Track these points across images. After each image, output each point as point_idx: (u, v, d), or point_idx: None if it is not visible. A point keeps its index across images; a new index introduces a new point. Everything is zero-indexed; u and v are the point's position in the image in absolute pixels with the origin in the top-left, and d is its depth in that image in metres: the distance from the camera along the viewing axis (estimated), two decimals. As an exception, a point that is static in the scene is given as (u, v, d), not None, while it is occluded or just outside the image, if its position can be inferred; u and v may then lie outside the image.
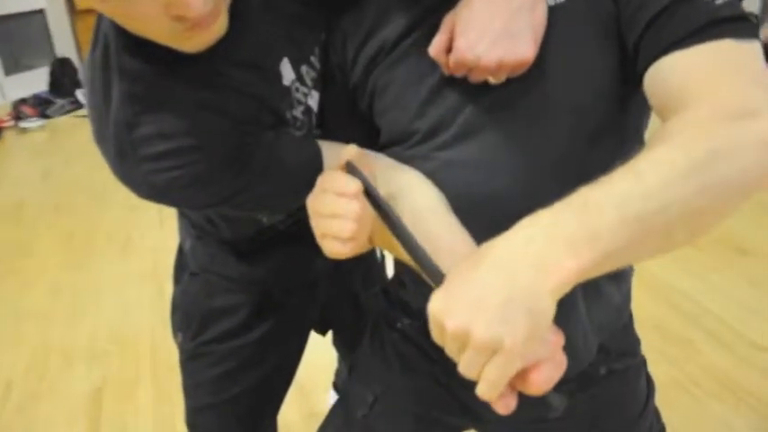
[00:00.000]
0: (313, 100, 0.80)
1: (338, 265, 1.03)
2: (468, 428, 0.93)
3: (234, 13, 0.66)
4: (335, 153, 0.70)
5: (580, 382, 0.71)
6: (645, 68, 0.60)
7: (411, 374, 0.89)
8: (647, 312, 2.23)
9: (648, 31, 0.60)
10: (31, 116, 4.84)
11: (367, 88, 0.76)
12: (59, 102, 5.16)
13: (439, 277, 0.53)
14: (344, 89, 0.80)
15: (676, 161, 0.48)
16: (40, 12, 5.90)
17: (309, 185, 0.64)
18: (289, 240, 0.96)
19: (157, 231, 3.06)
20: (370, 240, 0.67)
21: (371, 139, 0.78)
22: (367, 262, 1.21)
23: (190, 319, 1.05)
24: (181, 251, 1.10)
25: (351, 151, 0.63)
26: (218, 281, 1.02)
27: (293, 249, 0.98)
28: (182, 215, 1.05)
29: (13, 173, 4.09)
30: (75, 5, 5.89)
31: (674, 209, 0.47)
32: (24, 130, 4.75)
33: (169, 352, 2.14)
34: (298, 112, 0.78)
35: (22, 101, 5.05)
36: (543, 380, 0.48)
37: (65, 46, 5.98)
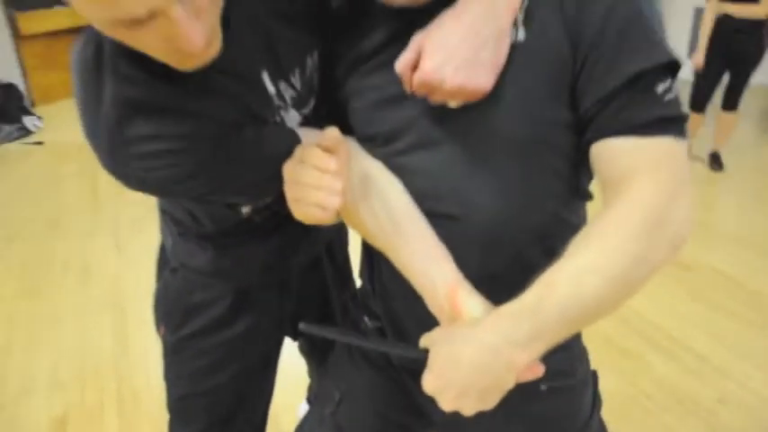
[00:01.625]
0: (289, 117, 0.87)
1: (313, 263, 1.09)
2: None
3: (222, 24, 0.71)
4: (314, 135, 0.79)
5: (522, 397, 0.78)
6: (595, 138, 0.71)
7: (372, 372, 0.97)
8: (597, 327, 2.36)
9: (605, 107, 0.69)
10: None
11: (345, 92, 0.85)
12: (6, 128, 5.05)
13: (421, 359, 0.72)
14: (328, 91, 0.89)
15: (606, 271, 0.65)
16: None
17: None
18: (265, 235, 1.02)
19: (115, 258, 3.04)
20: (337, 215, 0.78)
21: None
22: (338, 262, 1.27)
23: (171, 313, 1.10)
24: (162, 249, 1.14)
25: (332, 132, 0.74)
26: (196, 277, 1.07)
27: (269, 245, 1.04)
28: (163, 213, 1.08)
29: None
30: (20, 30, 5.79)
31: (603, 306, 0.67)
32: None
33: (132, 380, 2.16)
34: (279, 118, 0.85)
35: (-34, 128, 4.93)
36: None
37: (9, 71, 5.86)
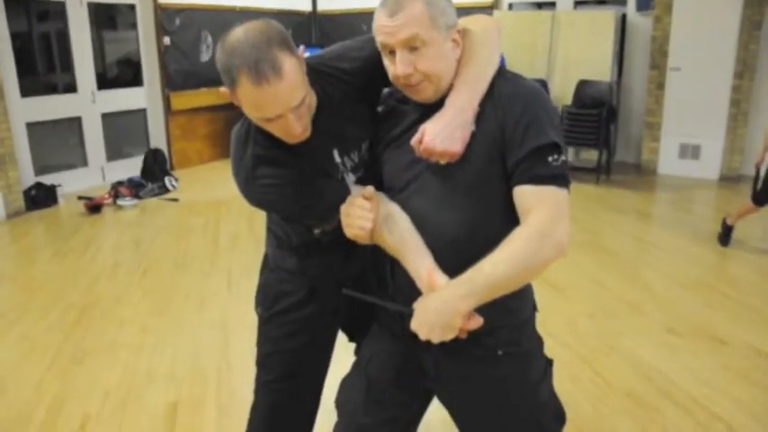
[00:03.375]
0: (348, 178, 1.43)
1: (361, 271, 1.60)
2: (424, 387, 1.45)
3: (314, 120, 1.31)
4: (360, 189, 1.33)
5: (486, 362, 1.31)
6: (514, 185, 1.21)
7: (392, 340, 1.45)
8: (622, 382, 2.65)
9: (518, 167, 1.19)
10: (126, 196, 5.68)
11: (382, 160, 1.40)
12: (150, 185, 6.02)
13: (407, 312, 1.24)
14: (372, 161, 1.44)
15: (515, 258, 1.14)
16: (142, 110, 6.92)
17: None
18: (330, 250, 1.55)
19: (226, 295, 3.69)
20: (371, 236, 1.30)
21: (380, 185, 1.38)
22: (379, 272, 1.77)
23: (266, 297, 1.64)
24: (265, 256, 1.70)
25: (369, 188, 1.30)
26: (285, 274, 1.61)
27: (332, 256, 1.57)
28: (269, 231, 1.64)
29: (111, 241, 4.87)
30: (171, 107, 6.90)
31: (510, 281, 1.17)
32: (120, 207, 5.59)
33: (230, 380, 2.70)
34: (341, 177, 1.42)
35: (120, 183, 5.93)
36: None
37: (158, 139, 6.95)
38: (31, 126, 5.74)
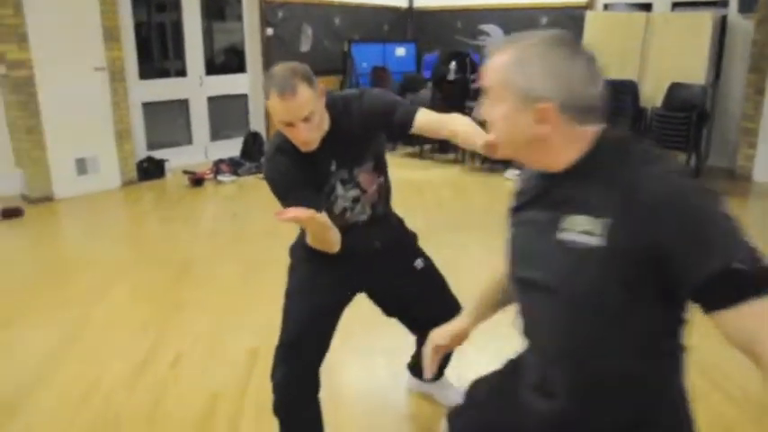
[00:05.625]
0: (338, 188, 1.88)
1: (386, 249, 1.96)
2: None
3: (324, 138, 1.79)
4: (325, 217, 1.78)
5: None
6: (714, 309, 0.93)
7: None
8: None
9: (711, 285, 0.91)
10: (226, 172, 6.17)
11: (510, 224, 1.26)
12: (248, 164, 6.49)
13: None
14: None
15: None
16: (244, 95, 7.42)
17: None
18: (361, 230, 1.95)
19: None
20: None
21: None
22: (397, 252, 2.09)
23: (297, 253, 2.03)
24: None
25: (323, 216, 1.76)
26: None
27: (361, 235, 1.94)
28: None
29: (210, 211, 5.35)
30: (271, 93, 7.35)
31: None
32: (220, 182, 6.08)
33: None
34: (329, 189, 1.86)
35: (221, 161, 6.43)
36: None
37: (257, 123, 7.43)
38: (146, 106, 6.33)
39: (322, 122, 1.76)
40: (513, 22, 7.93)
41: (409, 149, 7.58)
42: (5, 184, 5.34)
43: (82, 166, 5.55)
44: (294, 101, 1.64)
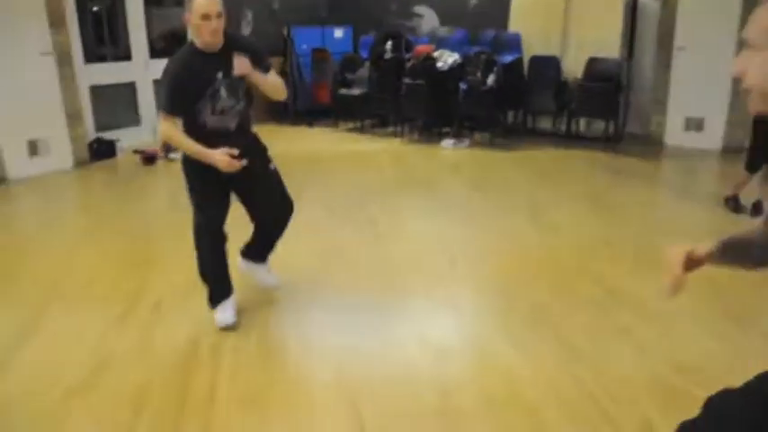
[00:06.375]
0: (221, 92, 2.66)
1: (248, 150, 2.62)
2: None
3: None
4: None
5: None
6: None
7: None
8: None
9: None
10: (176, 150, 6.35)
11: None
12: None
13: None
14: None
15: None
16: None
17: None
18: (231, 135, 2.72)
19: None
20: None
21: None
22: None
23: (186, 159, 2.76)
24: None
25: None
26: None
27: (232, 139, 2.68)
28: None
29: (163, 187, 5.62)
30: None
31: None
32: (171, 160, 6.28)
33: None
34: (213, 91, 2.64)
35: (170, 141, 6.61)
36: None
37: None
38: (93, 89, 6.46)
39: (222, 29, 2.57)
40: (444, 4, 8.41)
41: (350, 125, 7.97)
42: (-43, 167, 5.41)
43: (33, 147, 5.67)
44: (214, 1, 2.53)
